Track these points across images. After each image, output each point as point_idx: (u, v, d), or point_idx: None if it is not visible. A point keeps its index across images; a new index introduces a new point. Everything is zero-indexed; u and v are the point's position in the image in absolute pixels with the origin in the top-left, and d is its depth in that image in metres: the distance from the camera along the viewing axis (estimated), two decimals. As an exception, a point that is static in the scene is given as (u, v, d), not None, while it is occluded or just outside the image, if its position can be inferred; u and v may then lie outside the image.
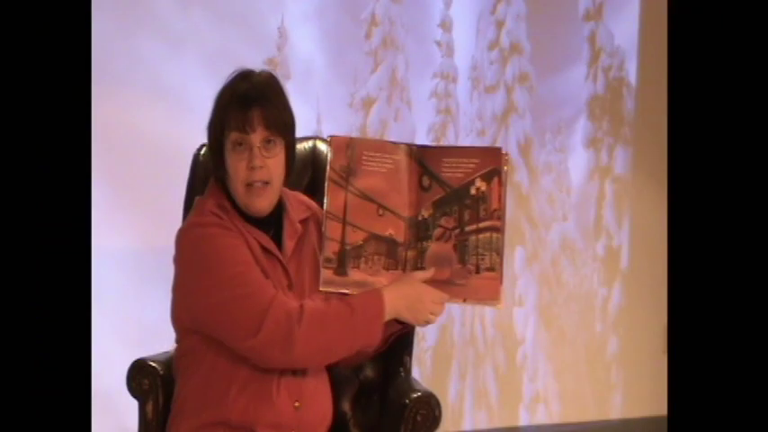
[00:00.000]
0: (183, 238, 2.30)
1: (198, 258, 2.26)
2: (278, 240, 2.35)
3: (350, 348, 2.25)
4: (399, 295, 2.25)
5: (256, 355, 2.22)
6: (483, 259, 2.24)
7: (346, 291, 2.27)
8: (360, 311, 2.22)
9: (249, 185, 2.28)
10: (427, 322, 2.29)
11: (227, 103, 2.29)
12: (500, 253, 2.24)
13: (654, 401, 4.94)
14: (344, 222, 2.26)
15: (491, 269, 2.24)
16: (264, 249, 2.30)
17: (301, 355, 2.21)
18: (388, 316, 2.25)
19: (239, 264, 2.24)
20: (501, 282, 2.24)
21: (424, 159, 2.28)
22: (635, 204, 5.09)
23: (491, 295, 2.25)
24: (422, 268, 2.27)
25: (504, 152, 2.26)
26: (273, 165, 2.29)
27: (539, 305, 4.86)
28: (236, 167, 2.28)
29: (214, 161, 2.33)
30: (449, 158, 2.27)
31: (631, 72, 5.05)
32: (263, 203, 2.31)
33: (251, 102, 2.27)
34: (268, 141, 2.28)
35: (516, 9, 4.77)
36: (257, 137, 2.27)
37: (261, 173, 2.28)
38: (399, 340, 2.41)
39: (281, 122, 2.30)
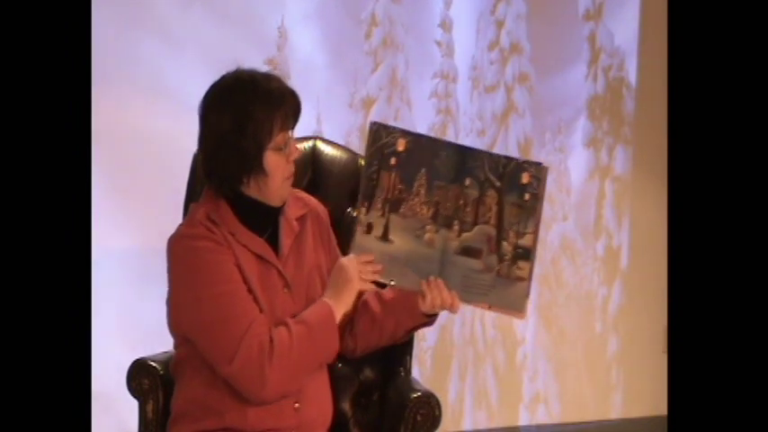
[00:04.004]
0: (172, 249, 2.28)
1: (184, 272, 2.26)
2: (275, 240, 2.35)
3: (313, 365, 2.28)
4: (332, 290, 2.29)
5: (232, 382, 2.23)
6: (517, 268, 2.24)
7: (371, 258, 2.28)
8: (315, 324, 2.25)
9: (287, 178, 2.31)
10: (367, 286, 2.29)
11: (268, 106, 2.25)
12: (533, 264, 2.24)
13: (654, 401, 4.94)
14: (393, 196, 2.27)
15: (521, 279, 2.24)
16: (259, 257, 2.30)
17: (273, 390, 2.22)
18: (338, 313, 2.27)
19: (223, 282, 2.23)
20: (528, 293, 2.24)
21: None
22: (635, 204, 5.09)
23: (517, 306, 2.25)
24: (461, 240, 2.27)
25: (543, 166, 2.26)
26: None
27: (539, 305, 4.86)
28: (279, 165, 2.28)
29: (246, 167, 2.26)
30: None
31: (631, 72, 5.04)
32: (290, 190, 2.35)
33: (291, 97, 2.28)
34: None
35: (516, 9, 4.76)
36: (293, 130, 2.31)
37: (294, 163, 2.32)
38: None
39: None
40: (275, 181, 2.28)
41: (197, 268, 2.24)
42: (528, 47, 4.79)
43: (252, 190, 2.29)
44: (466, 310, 4.64)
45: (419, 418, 2.45)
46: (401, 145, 2.26)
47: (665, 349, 4.57)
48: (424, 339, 4.56)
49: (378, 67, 4.48)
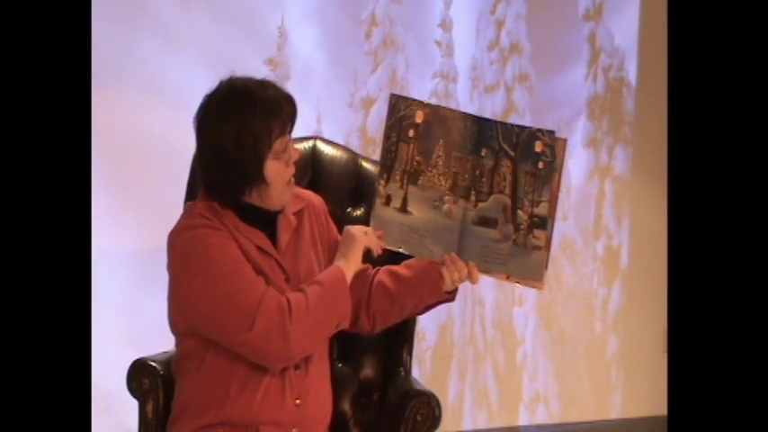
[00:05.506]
0: (173, 242, 2.29)
1: (188, 260, 2.26)
2: (272, 236, 2.36)
3: (330, 324, 2.29)
4: (340, 253, 2.32)
5: (253, 349, 2.23)
6: (533, 237, 2.24)
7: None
8: (327, 284, 2.27)
9: (288, 182, 2.31)
10: (372, 242, 2.31)
11: (266, 115, 2.24)
12: (550, 234, 2.25)
13: (654, 401, 4.95)
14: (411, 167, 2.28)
15: (538, 248, 2.24)
16: (259, 248, 2.31)
17: (297, 347, 2.23)
18: (348, 272, 2.29)
19: (229, 262, 2.25)
20: (546, 263, 2.24)
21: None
22: (635, 204, 5.09)
23: (535, 275, 2.24)
24: (477, 210, 2.27)
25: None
26: None
27: (539, 305, 4.86)
28: (279, 170, 2.28)
29: (247, 179, 2.27)
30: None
31: (631, 72, 5.05)
32: (291, 195, 2.35)
33: (287, 102, 2.28)
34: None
35: (516, 9, 4.76)
36: (291, 133, 2.31)
37: (294, 165, 2.31)
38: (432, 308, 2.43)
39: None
40: (276, 188, 2.29)
41: (201, 254, 2.25)
42: (528, 47, 4.79)
43: (253, 198, 2.30)
44: (465, 309, 4.66)
45: (419, 418, 2.45)
46: (420, 117, 2.27)
47: (665, 349, 4.58)
48: (424, 339, 4.56)
49: (378, 67, 4.48)
